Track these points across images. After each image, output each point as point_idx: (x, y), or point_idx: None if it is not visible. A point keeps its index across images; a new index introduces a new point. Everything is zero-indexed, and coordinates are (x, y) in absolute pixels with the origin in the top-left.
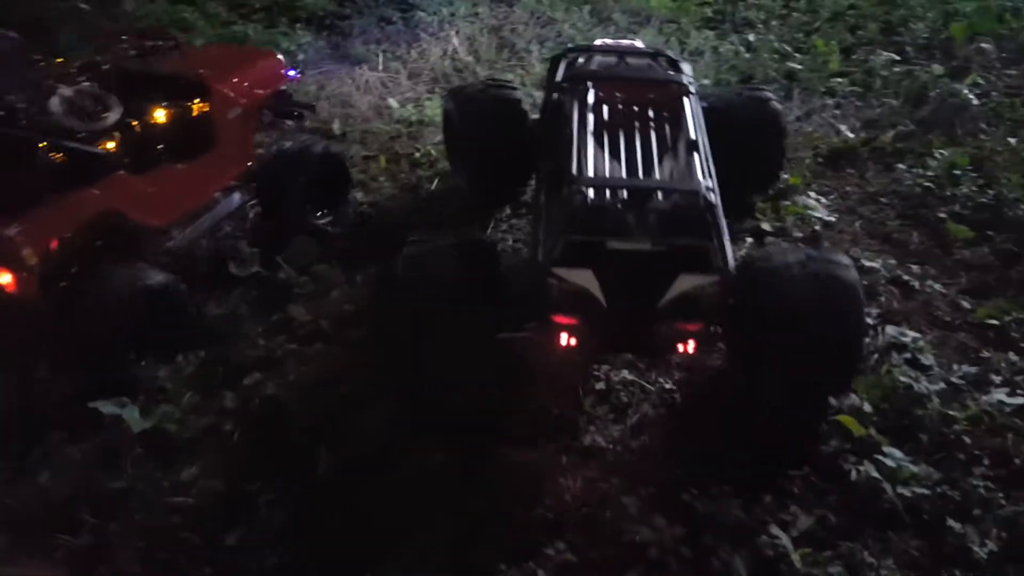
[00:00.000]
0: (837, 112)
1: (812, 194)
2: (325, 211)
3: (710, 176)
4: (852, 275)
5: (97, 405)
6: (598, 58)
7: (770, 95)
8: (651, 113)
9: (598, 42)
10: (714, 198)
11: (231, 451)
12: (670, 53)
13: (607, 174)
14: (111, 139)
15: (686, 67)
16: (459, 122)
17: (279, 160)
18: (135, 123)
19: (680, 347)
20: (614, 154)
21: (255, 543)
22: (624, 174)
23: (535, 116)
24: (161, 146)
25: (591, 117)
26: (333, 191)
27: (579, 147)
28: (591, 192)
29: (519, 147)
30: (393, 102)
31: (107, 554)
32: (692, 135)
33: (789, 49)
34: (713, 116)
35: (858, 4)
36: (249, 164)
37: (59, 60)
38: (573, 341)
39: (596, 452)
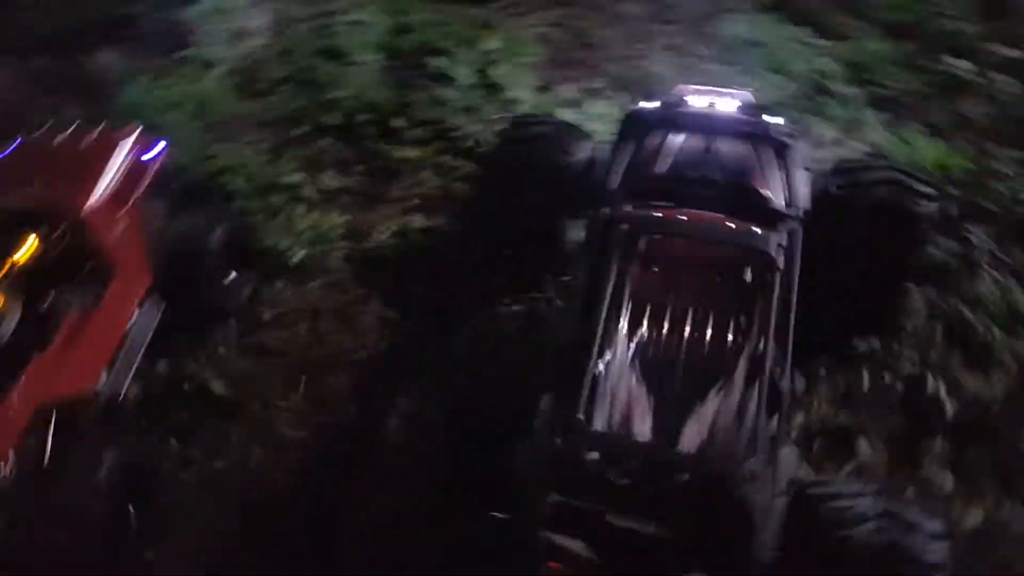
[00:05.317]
0: None
1: None
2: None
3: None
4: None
5: None
6: (679, 141)
7: None
8: (723, 291)
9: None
10: (767, 471)
11: None
12: (782, 123)
13: (622, 417)
14: None
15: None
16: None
17: None
18: None
19: None
20: (648, 371)
21: None
22: (650, 417)
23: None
24: None
25: (632, 295)
26: None
27: (598, 356)
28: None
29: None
30: None
31: None
32: (762, 345)
33: None
34: None
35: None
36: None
37: None
38: None
39: None
